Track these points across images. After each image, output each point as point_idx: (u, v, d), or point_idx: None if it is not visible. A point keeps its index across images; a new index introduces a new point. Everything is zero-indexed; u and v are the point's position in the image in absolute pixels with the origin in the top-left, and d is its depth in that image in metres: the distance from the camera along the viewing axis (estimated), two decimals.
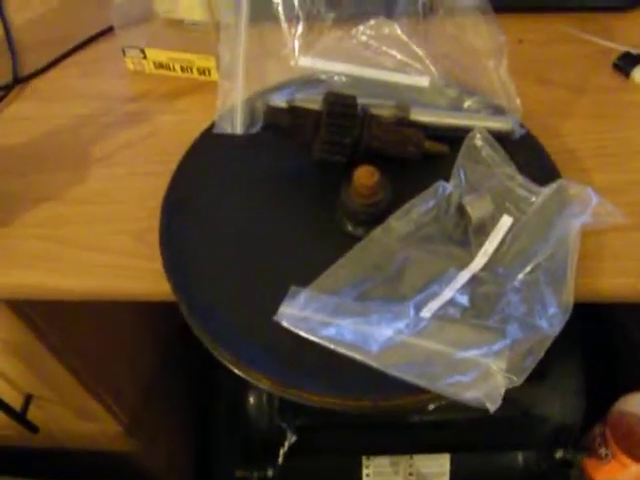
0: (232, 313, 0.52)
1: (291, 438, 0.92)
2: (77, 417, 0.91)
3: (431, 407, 0.95)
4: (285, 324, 0.49)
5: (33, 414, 0.87)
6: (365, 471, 1.01)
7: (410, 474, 1.02)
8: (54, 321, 0.73)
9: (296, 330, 0.49)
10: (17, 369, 0.80)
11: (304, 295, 0.50)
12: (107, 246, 0.58)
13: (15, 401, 0.84)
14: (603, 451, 1.05)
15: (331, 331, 0.49)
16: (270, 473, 0.94)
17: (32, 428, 0.87)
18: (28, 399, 0.86)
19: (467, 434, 0.99)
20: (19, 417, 0.84)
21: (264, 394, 0.95)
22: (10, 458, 1.00)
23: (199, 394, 1.08)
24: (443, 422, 0.97)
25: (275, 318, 0.50)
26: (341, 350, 0.48)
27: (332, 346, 0.48)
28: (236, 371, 0.50)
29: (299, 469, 0.98)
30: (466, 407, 0.97)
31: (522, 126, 0.60)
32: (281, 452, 0.92)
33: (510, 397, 0.98)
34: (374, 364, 0.47)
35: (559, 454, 0.96)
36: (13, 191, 0.63)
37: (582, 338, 1.01)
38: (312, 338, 0.49)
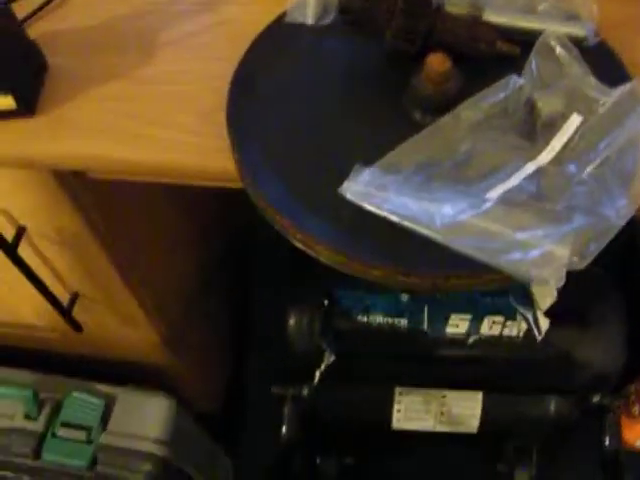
0: (296, 185, 0.52)
1: (329, 358, 0.92)
2: (119, 321, 0.92)
3: (471, 340, 0.95)
4: (349, 197, 0.50)
5: (77, 314, 0.88)
6: (397, 407, 1.02)
7: (441, 413, 1.03)
8: (105, 210, 0.74)
9: (360, 203, 0.49)
10: (67, 262, 0.81)
11: (368, 172, 0.51)
12: (174, 123, 0.59)
13: (63, 297, 0.86)
14: (637, 408, 1.05)
15: (395, 205, 0.49)
16: (305, 392, 0.95)
17: (77, 326, 0.89)
18: (74, 297, 0.87)
19: (503, 374, 0.99)
20: (65, 313, 0.85)
21: (305, 314, 0.95)
22: (51, 361, 1.02)
23: (239, 313, 1.10)
24: (481, 359, 0.97)
25: (340, 190, 0.50)
26: (405, 223, 0.48)
27: (396, 219, 0.48)
28: (296, 243, 0.51)
29: (333, 393, 0.99)
30: (506, 344, 0.96)
31: (596, 34, 0.59)
32: (317, 373, 0.93)
33: (551, 340, 0.98)
34: (437, 237, 0.47)
35: (596, 399, 0.96)
36: (81, 68, 0.64)
37: (627, 291, 1.00)
38: (376, 211, 0.49)
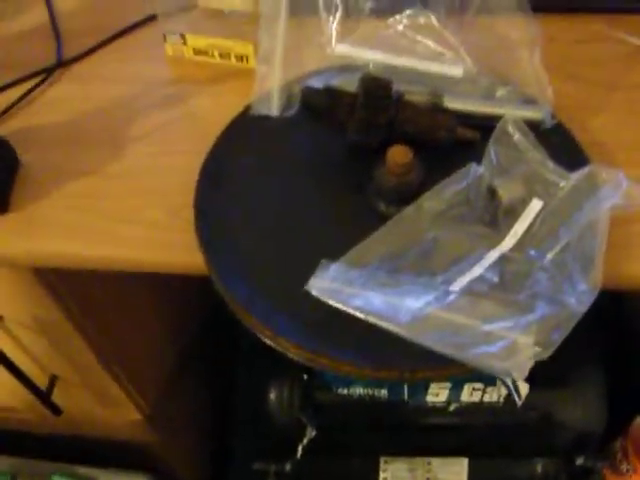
0: (263, 283, 0.53)
1: (311, 433, 0.92)
2: (99, 402, 0.92)
3: (452, 408, 0.95)
4: (315, 294, 0.50)
5: (57, 397, 0.88)
6: (382, 475, 1.01)
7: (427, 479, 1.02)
8: (82, 298, 0.74)
9: (326, 299, 0.50)
10: (44, 348, 0.81)
11: (334, 267, 0.51)
12: (142, 219, 0.60)
13: (40, 382, 0.85)
14: (624, 466, 1.04)
15: (361, 301, 0.49)
16: (288, 468, 0.94)
17: (55, 410, 0.88)
18: (53, 380, 0.87)
19: (486, 439, 0.99)
20: (44, 397, 0.85)
21: (285, 389, 0.95)
22: (30, 443, 1.01)
23: (219, 388, 1.09)
24: (463, 425, 0.97)
25: (306, 287, 0.50)
26: (371, 319, 0.49)
27: (361, 315, 0.49)
28: (266, 340, 0.51)
29: (317, 467, 0.98)
30: (487, 410, 0.97)
31: (553, 116, 0.61)
32: (300, 447, 0.93)
33: (531, 403, 0.98)
34: (403, 333, 0.48)
35: (580, 461, 0.96)
36: (53, 164, 0.65)
37: (605, 347, 1.01)
38: (342, 307, 0.50)
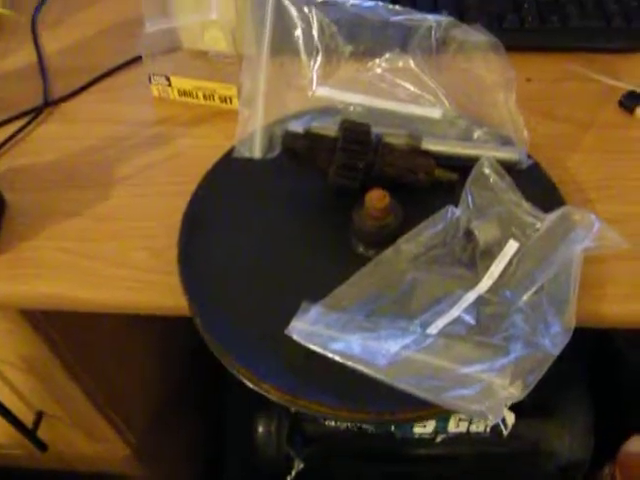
0: (245, 326, 0.54)
1: (299, 465, 0.93)
2: (86, 437, 0.92)
3: (439, 439, 0.96)
4: (296, 337, 0.51)
5: (43, 433, 0.88)
6: None
7: None
8: (69, 337, 0.75)
9: (306, 343, 0.51)
10: (31, 385, 0.82)
11: (315, 310, 0.52)
12: (127, 261, 0.61)
13: (26, 418, 0.86)
14: None
15: (340, 345, 0.50)
16: None
17: (42, 446, 0.88)
18: (39, 417, 0.88)
19: (474, 469, 1.00)
20: (30, 434, 0.85)
21: (273, 422, 0.96)
22: (18, 479, 1.01)
23: (207, 421, 1.10)
24: (450, 456, 0.98)
25: (286, 332, 0.51)
26: (349, 364, 0.50)
27: (341, 360, 0.50)
28: (247, 382, 0.52)
29: None
30: (474, 440, 0.98)
31: (529, 157, 0.62)
32: (288, 479, 0.93)
33: (518, 433, 0.99)
34: (381, 377, 0.49)
35: None
36: (40, 205, 0.65)
37: (591, 376, 1.02)
38: (322, 351, 0.50)
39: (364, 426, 0.92)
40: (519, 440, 0.97)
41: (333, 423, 0.93)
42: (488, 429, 0.95)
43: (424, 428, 0.92)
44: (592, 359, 1.06)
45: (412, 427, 0.92)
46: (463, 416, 0.93)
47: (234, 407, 0.99)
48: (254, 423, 0.96)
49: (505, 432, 0.93)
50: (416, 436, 0.93)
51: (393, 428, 0.92)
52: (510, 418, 0.93)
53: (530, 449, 0.98)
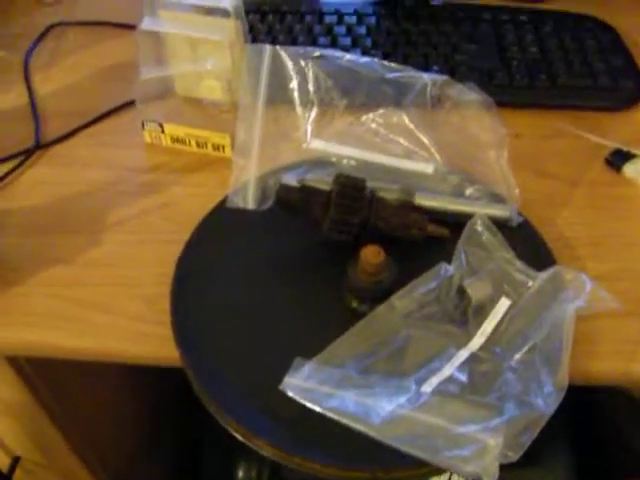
0: (238, 381, 0.53)
1: None
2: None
3: None
4: (290, 394, 0.51)
5: (18, 477, 0.86)
6: None
7: None
8: (51, 381, 0.74)
9: (300, 400, 0.51)
10: (8, 428, 0.80)
11: (309, 366, 0.52)
12: (117, 309, 0.60)
13: (2, 462, 0.84)
14: None
15: (334, 402, 0.50)
16: None
17: None
18: (15, 461, 0.86)
19: None
20: (4, 478, 0.84)
21: (254, 467, 0.95)
22: None
23: (188, 466, 1.08)
24: None
25: (280, 387, 0.51)
26: (344, 421, 0.49)
27: (335, 417, 0.50)
28: (240, 437, 0.52)
29: None
30: None
31: (520, 214, 0.63)
32: None
33: None
34: (375, 436, 0.49)
35: None
36: (30, 250, 0.65)
37: (574, 429, 1.02)
38: (316, 408, 0.50)
39: None
40: None
41: None
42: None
43: None
44: (574, 408, 1.06)
45: None
46: None
47: (212, 450, 0.98)
48: (234, 468, 0.95)
49: None
50: None
51: None
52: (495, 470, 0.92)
53: None
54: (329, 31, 0.84)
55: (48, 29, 0.91)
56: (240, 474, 0.95)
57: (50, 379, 0.73)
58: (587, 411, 1.11)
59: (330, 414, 0.50)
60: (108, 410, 0.92)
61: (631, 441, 1.08)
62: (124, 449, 0.98)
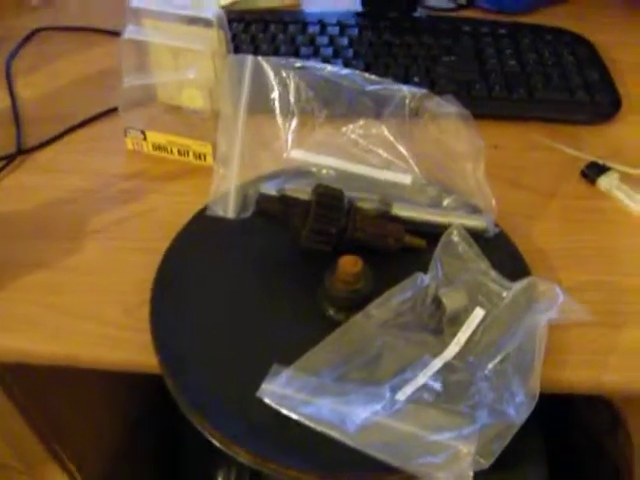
0: (215, 388, 0.54)
1: None
2: None
3: None
4: (267, 401, 0.52)
5: None
6: None
7: None
8: (28, 385, 0.74)
9: (276, 407, 0.51)
10: None
11: (286, 374, 0.53)
12: (97, 316, 0.61)
13: None
14: None
15: (310, 409, 0.51)
16: None
17: None
18: None
19: None
20: None
21: (233, 472, 0.95)
22: None
23: (166, 472, 1.08)
24: None
25: (257, 394, 0.52)
26: (319, 428, 0.50)
27: (311, 424, 0.50)
28: (217, 443, 0.52)
29: None
30: None
31: (496, 225, 0.64)
32: None
33: None
34: (350, 443, 0.49)
35: None
36: (8, 255, 0.65)
37: (544, 431, 1.03)
38: (292, 415, 0.51)
39: None
40: None
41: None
42: None
43: None
44: (547, 414, 1.07)
45: None
46: None
47: (192, 454, 0.98)
48: (214, 472, 0.95)
49: None
50: None
51: None
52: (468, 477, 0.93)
53: None
54: (312, 41, 0.85)
55: (33, 33, 0.92)
56: (219, 479, 0.95)
57: (27, 383, 0.73)
58: (562, 421, 1.13)
59: (306, 421, 0.51)
60: (85, 413, 0.92)
61: (606, 449, 1.09)
62: (104, 454, 0.97)
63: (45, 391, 0.79)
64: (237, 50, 0.83)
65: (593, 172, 0.73)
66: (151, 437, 1.10)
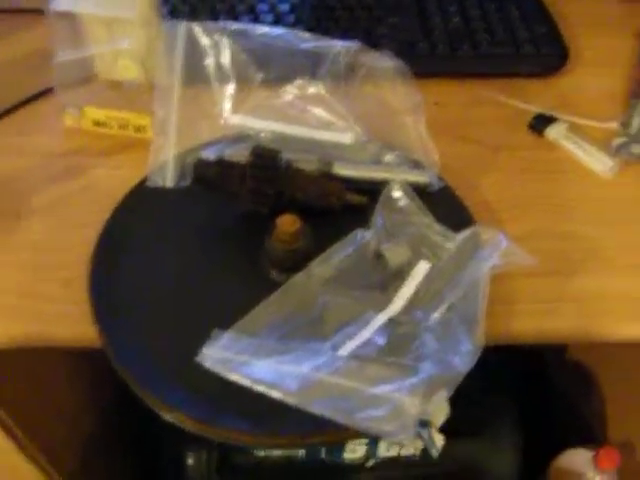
0: (157, 356, 0.53)
1: None
2: None
3: (370, 463, 0.96)
4: (207, 365, 0.51)
5: None
6: None
7: None
8: None
9: (217, 370, 0.50)
10: None
11: (226, 337, 0.52)
12: (36, 292, 0.59)
13: None
14: None
15: (250, 370, 0.50)
16: None
17: None
18: None
19: None
20: None
21: (203, 453, 0.94)
22: None
23: (142, 459, 1.07)
24: (383, 478, 0.98)
25: (197, 359, 0.51)
26: (260, 389, 0.49)
27: (251, 385, 0.49)
28: (162, 414, 0.51)
29: None
30: (405, 463, 0.98)
31: (440, 179, 0.63)
32: None
33: (448, 453, 1.00)
34: (291, 401, 0.49)
35: None
36: None
37: (518, 395, 1.03)
38: (232, 378, 0.50)
39: (294, 454, 0.92)
40: (450, 461, 0.97)
41: (263, 453, 0.92)
42: (418, 452, 0.95)
43: (354, 453, 0.92)
44: (522, 379, 1.08)
45: (342, 453, 0.92)
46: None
47: (167, 442, 0.97)
48: (184, 456, 0.94)
49: (435, 454, 0.93)
50: (346, 462, 0.93)
51: (323, 455, 0.92)
52: (439, 440, 0.93)
53: (461, 469, 0.98)
54: (251, 9, 0.83)
55: None
56: (190, 461, 0.95)
57: None
58: (534, 380, 1.13)
59: (247, 383, 0.50)
60: (54, 403, 0.91)
61: (578, 407, 1.10)
62: (75, 444, 0.96)
63: (9, 386, 0.78)
64: None
65: (540, 123, 0.73)
66: (123, 423, 1.09)
